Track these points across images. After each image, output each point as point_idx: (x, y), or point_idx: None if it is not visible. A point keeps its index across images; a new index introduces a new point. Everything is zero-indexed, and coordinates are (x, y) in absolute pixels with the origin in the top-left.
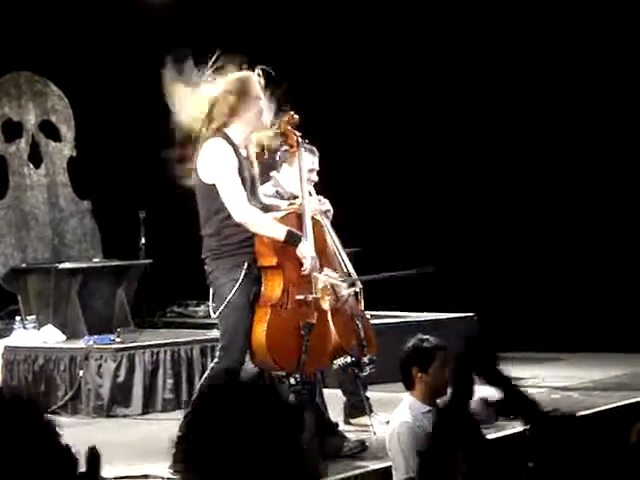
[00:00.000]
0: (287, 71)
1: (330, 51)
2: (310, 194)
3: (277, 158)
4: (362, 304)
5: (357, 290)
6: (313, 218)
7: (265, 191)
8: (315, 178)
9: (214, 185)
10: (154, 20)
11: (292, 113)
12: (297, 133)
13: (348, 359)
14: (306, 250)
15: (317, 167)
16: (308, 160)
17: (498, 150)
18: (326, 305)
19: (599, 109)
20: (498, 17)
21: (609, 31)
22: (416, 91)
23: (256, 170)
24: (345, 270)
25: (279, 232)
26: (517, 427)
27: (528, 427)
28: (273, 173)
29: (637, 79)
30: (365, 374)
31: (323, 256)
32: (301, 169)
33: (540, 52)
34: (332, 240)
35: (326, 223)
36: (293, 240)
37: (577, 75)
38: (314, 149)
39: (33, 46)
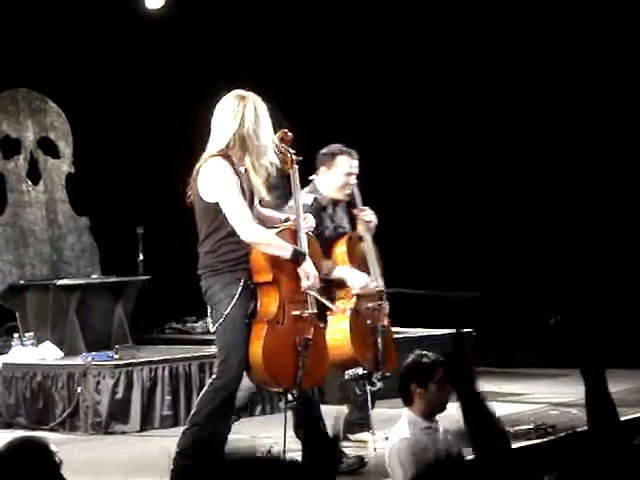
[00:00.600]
0: (314, 85)
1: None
2: (350, 202)
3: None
4: (386, 319)
5: (383, 305)
6: (308, 234)
7: (304, 201)
8: (353, 181)
9: (215, 204)
10: (152, 37)
11: (286, 130)
12: (291, 150)
13: (359, 371)
14: (309, 268)
15: (356, 170)
16: (345, 163)
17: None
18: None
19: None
20: (500, 18)
21: (610, 31)
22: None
23: (256, 186)
24: (376, 284)
25: (286, 251)
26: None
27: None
28: (312, 177)
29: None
30: (374, 389)
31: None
32: (295, 186)
33: (542, 53)
34: (370, 253)
35: (367, 237)
36: (298, 258)
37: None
38: (352, 152)
39: (31, 63)
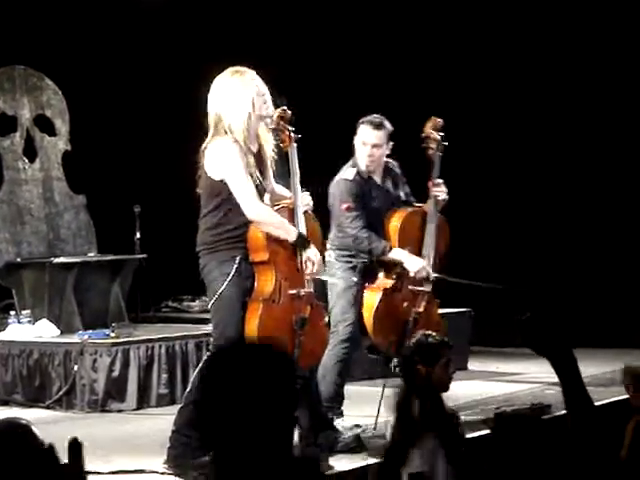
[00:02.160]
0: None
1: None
2: (388, 172)
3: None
4: (423, 305)
5: (424, 290)
6: (306, 212)
7: (346, 175)
8: (372, 152)
9: (220, 181)
10: (149, 13)
11: (284, 108)
12: (290, 128)
13: (379, 355)
14: (313, 254)
15: (374, 140)
16: (362, 133)
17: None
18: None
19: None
20: (502, 19)
21: (616, 31)
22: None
23: (269, 164)
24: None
25: (290, 233)
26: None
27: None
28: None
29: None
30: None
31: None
32: (293, 164)
33: (543, 55)
34: (430, 233)
35: (432, 214)
36: (302, 243)
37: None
38: (375, 122)
39: (28, 40)
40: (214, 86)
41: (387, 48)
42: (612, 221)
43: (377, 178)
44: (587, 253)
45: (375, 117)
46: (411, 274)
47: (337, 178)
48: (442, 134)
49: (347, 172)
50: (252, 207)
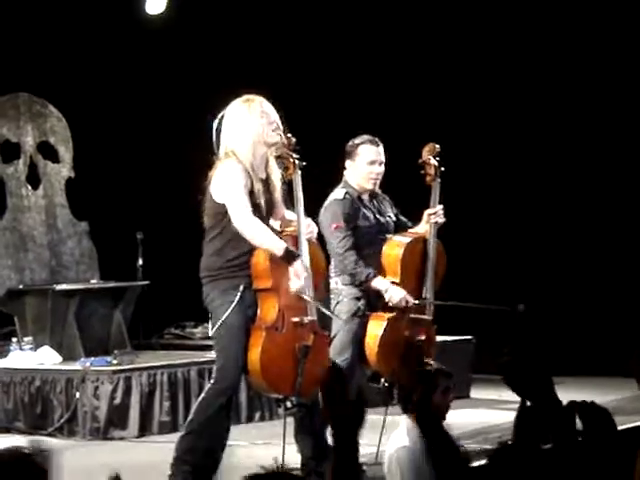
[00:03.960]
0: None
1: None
2: (374, 195)
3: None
4: (424, 333)
5: (426, 318)
6: (309, 240)
7: (336, 196)
8: (378, 169)
9: (223, 205)
10: (152, 43)
11: (289, 135)
12: (294, 155)
13: (380, 383)
14: (300, 269)
15: (380, 158)
16: (367, 152)
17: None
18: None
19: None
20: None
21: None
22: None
23: (278, 192)
24: (424, 295)
25: (278, 246)
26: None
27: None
28: (345, 173)
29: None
30: (393, 402)
31: (317, 278)
32: (297, 192)
33: (541, 55)
34: (431, 259)
35: (431, 240)
36: (290, 257)
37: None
38: (375, 140)
39: (32, 67)
40: (225, 115)
41: (380, 74)
42: (614, 250)
43: (365, 197)
44: (587, 281)
45: (367, 136)
46: (390, 304)
47: (326, 202)
48: (439, 159)
49: (337, 193)
50: (241, 218)
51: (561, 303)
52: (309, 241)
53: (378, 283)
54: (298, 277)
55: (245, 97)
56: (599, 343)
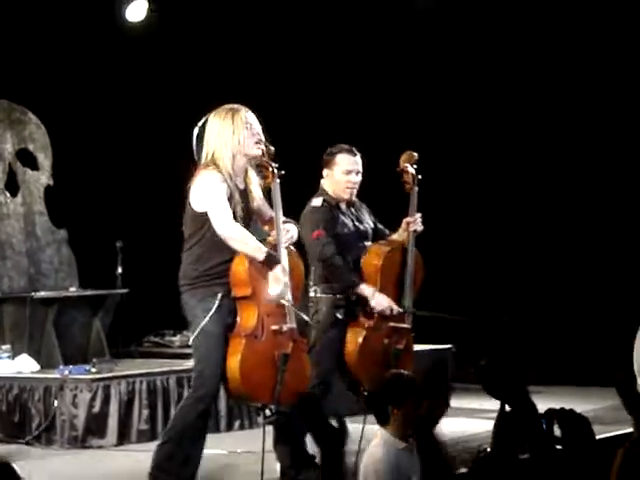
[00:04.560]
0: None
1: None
2: (352, 203)
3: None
4: (404, 342)
5: (405, 326)
6: (288, 248)
7: (314, 204)
8: (355, 179)
9: (202, 213)
10: (133, 50)
11: (267, 144)
12: (273, 164)
13: (359, 392)
14: (280, 274)
15: (357, 167)
16: (345, 161)
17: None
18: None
19: None
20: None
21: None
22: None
23: (258, 201)
24: (403, 304)
25: (259, 251)
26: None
27: None
28: (322, 181)
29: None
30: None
31: (295, 287)
32: (275, 200)
33: (540, 54)
34: (410, 267)
35: (410, 248)
36: (271, 262)
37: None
38: (352, 149)
39: (11, 75)
40: (208, 122)
41: (359, 82)
42: (600, 261)
43: (343, 205)
44: (571, 292)
45: (344, 145)
46: (374, 311)
47: (305, 211)
48: (416, 167)
49: (314, 201)
50: (222, 224)
51: (542, 313)
52: (289, 251)
53: (364, 290)
54: (277, 282)
55: (229, 106)
56: (579, 353)
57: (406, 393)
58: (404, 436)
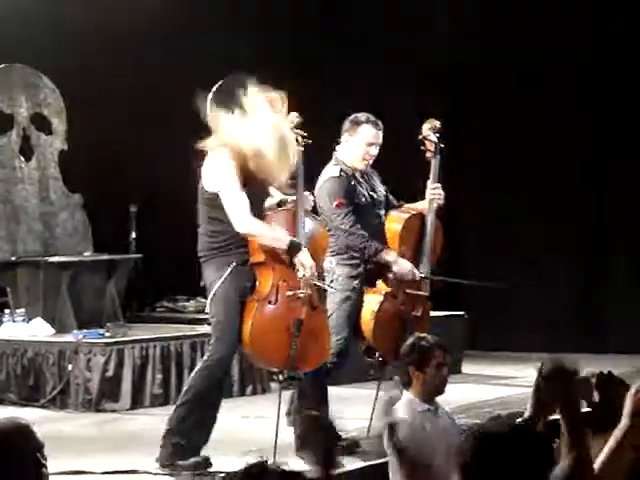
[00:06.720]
0: None
1: None
2: (364, 172)
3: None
4: (421, 309)
5: (422, 293)
6: (318, 221)
7: (332, 173)
8: (374, 152)
9: (215, 194)
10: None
11: (294, 114)
12: (302, 133)
13: (374, 357)
14: (305, 259)
15: (379, 141)
16: (368, 133)
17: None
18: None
19: None
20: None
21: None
22: None
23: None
24: (421, 271)
25: (281, 242)
26: None
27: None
28: (337, 148)
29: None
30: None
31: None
32: (299, 168)
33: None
34: (429, 234)
35: (429, 216)
36: (294, 249)
37: None
38: (378, 122)
39: (25, 39)
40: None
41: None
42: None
43: (358, 175)
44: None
45: (371, 116)
46: (396, 276)
47: (321, 180)
48: (439, 136)
49: (332, 170)
50: (241, 222)
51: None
52: (318, 222)
53: (387, 255)
54: (304, 268)
55: (271, 96)
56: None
57: (427, 356)
58: (427, 398)
